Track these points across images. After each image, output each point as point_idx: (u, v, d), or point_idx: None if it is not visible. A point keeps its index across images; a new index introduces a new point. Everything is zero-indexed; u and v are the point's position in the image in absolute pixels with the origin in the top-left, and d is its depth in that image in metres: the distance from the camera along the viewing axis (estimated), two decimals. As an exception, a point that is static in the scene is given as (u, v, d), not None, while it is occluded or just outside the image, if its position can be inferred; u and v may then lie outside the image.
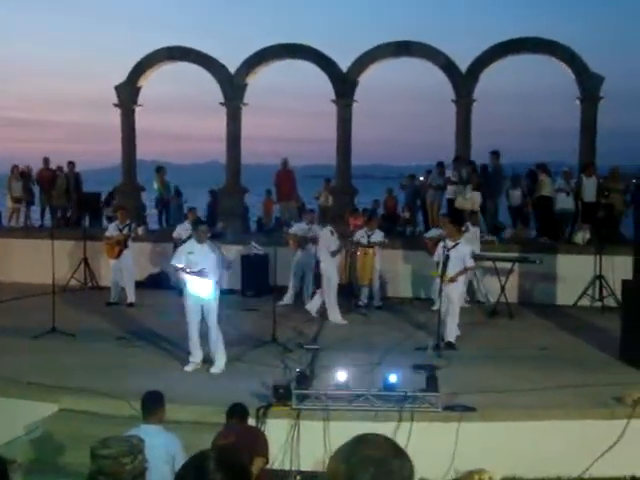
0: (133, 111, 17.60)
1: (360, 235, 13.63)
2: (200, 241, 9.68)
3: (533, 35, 16.38)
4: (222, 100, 17.07)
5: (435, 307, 11.23)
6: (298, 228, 14.05)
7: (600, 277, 13.67)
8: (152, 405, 6.02)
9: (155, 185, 18.35)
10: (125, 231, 13.97)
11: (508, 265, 13.51)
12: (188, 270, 9.66)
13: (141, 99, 17.70)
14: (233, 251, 14.92)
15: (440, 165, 16.56)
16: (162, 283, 15.72)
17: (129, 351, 10.63)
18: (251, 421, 7.40)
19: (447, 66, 16.27)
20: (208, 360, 9.74)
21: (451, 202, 15.81)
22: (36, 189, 18.65)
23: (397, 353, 10.41)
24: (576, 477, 7.81)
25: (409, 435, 7.63)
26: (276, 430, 7.66)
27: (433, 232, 13.53)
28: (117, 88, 17.43)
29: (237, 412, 6.75)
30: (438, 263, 10.99)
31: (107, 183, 20.99)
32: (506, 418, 8.06)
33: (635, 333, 9.98)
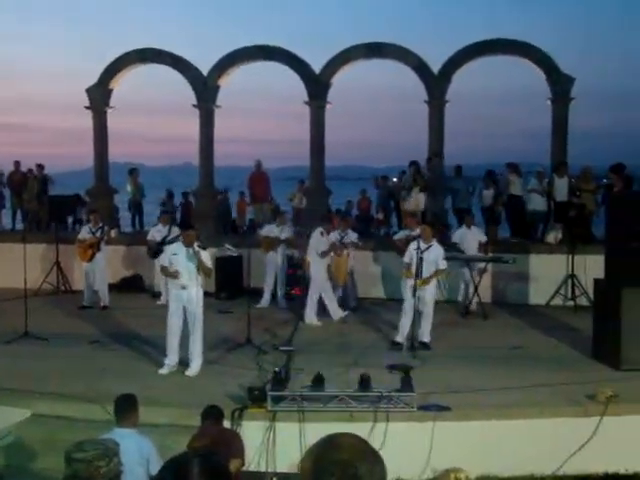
0: (105, 113, 17.47)
1: (334, 236, 13.64)
2: (186, 244, 9.65)
3: (505, 36, 16.51)
4: (195, 102, 17.01)
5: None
6: (269, 230, 14.03)
7: (572, 276, 13.80)
8: (125, 409, 5.98)
9: (128, 187, 18.25)
10: (98, 234, 13.87)
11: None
12: (167, 270, 9.67)
13: (113, 101, 17.58)
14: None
15: (413, 164, 16.62)
16: (136, 286, 15.65)
17: (103, 355, 10.55)
18: (226, 423, 7.37)
19: (419, 67, 16.34)
20: (184, 362, 9.69)
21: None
22: (7, 192, 18.48)
23: (372, 354, 10.44)
24: (550, 475, 7.88)
25: (385, 435, 7.65)
26: (252, 432, 7.64)
27: (401, 233, 13.57)
28: (88, 90, 17.28)
29: (212, 414, 6.74)
30: (409, 265, 11.00)
31: (80, 186, 20.82)
32: (481, 417, 8.11)
33: (607, 331, 10.10)
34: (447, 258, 12.63)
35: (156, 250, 14.13)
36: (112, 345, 11.07)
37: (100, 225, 14.02)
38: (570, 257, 13.87)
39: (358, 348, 10.77)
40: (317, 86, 16.55)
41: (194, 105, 17.01)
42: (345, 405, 7.98)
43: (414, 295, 10.69)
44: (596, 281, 10.87)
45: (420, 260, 10.68)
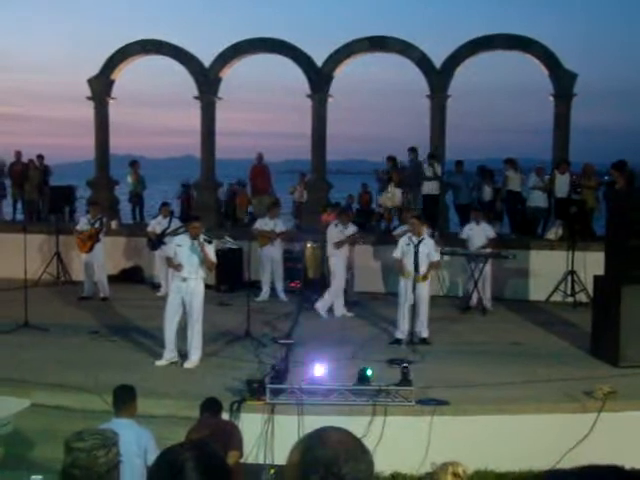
0: (106, 104, 17.46)
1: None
2: (192, 236, 9.65)
3: (508, 32, 16.49)
4: (196, 94, 16.99)
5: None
6: (263, 223, 14.01)
7: (572, 273, 13.80)
8: (124, 399, 6.00)
9: (129, 179, 18.23)
10: (97, 225, 13.86)
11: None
12: (172, 262, 9.70)
13: (115, 92, 17.58)
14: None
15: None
16: (136, 277, 15.66)
17: (103, 346, 10.57)
18: (225, 415, 7.39)
19: (422, 62, 16.32)
20: (183, 354, 9.71)
21: (426, 197, 15.89)
22: (8, 183, 18.48)
23: (371, 348, 10.45)
24: (547, 470, 7.89)
25: (383, 429, 7.68)
26: (250, 425, 7.66)
27: (401, 229, 13.56)
28: (90, 81, 17.27)
29: (211, 406, 6.76)
30: (400, 260, 10.98)
31: (79, 178, 20.82)
32: (479, 412, 8.13)
33: (605, 328, 10.11)
34: (447, 253, 12.67)
35: (156, 242, 14.16)
36: (111, 336, 11.08)
37: (99, 217, 14.01)
38: (570, 254, 13.86)
39: (357, 342, 10.78)
40: (319, 79, 16.53)
41: (195, 97, 17.00)
42: (344, 399, 8.00)
43: (413, 291, 10.68)
44: (596, 278, 10.88)
45: (415, 254, 10.67)
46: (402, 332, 10.91)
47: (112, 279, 14.64)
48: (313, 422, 7.57)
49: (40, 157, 18.31)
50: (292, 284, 14.52)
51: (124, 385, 6.22)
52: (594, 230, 15.18)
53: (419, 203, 15.88)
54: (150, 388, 8.24)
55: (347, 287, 13.94)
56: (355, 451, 1.87)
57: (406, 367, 8.39)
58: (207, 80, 16.86)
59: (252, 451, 7.55)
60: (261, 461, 7.61)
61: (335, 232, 12.84)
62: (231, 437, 6.40)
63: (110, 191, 17.68)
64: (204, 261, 9.62)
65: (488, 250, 13.47)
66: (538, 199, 15.49)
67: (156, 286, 14.50)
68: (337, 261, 12.79)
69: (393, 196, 15.78)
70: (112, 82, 17.45)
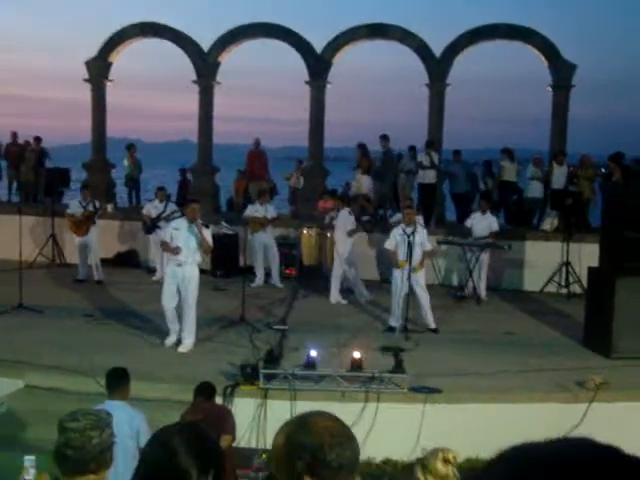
0: (104, 87, 17.39)
1: (331, 217, 13.64)
2: (190, 219, 9.64)
3: (507, 21, 16.44)
4: (195, 78, 16.93)
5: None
6: (253, 210, 14.01)
7: (567, 264, 13.83)
8: (117, 381, 6.02)
9: (125, 162, 18.18)
10: (89, 208, 13.83)
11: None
12: (168, 246, 9.68)
13: (112, 75, 17.50)
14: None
15: (412, 149, 16.61)
16: (131, 261, 15.65)
17: (97, 329, 10.58)
18: (218, 400, 7.42)
19: (421, 50, 16.27)
20: (178, 339, 9.74)
21: (422, 186, 15.90)
22: (4, 164, 18.42)
23: (365, 335, 10.48)
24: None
25: (375, 416, 7.72)
26: (243, 409, 7.70)
27: (398, 216, 13.56)
28: (87, 63, 17.19)
29: (204, 390, 6.78)
30: (393, 252, 10.99)
31: (75, 160, 20.76)
32: (471, 400, 8.18)
33: (599, 320, 10.15)
34: (442, 242, 12.68)
35: (151, 225, 14.15)
36: (106, 319, 11.09)
37: (91, 200, 13.98)
38: (565, 245, 13.89)
39: (351, 329, 10.81)
40: (318, 66, 16.48)
41: (194, 81, 16.94)
42: (337, 385, 8.04)
43: (408, 279, 10.70)
44: (590, 269, 10.92)
45: (409, 245, 10.68)
46: (396, 320, 10.93)
47: (107, 263, 14.64)
48: (306, 407, 7.56)
49: (37, 139, 18.25)
50: (287, 270, 14.53)
51: (117, 368, 6.24)
52: (590, 222, 15.21)
53: (390, 191, 15.98)
54: (144, 371, 8.26)
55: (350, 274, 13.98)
56: (341, 437, 1.87)
57: (399, 354, 8.43)
58: (205, 64, 16.80)
59: (245, 435, 7.58)
60: (253, 445, 7.65)
61: (348, 219, 12.86)
62: (224, 421, 6.44)
63: (106, 174, 17.63)
64: (201, 244, 9.61)
65: (485, 240, 13.48)
66: (535, 190, 15.50)
67: (151, 270, 14.50)
68: (344, 248, 12.83)
69: (360, 184, 15.82)
70: (110, 64, 17.36)
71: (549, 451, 0.97)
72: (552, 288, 14.03)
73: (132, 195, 18.41)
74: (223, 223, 14.31)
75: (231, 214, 16.93)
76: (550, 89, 16.10)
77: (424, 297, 11.02)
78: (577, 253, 13.62)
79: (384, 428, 7.74)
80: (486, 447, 6.23)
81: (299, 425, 1.89)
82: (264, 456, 7.16)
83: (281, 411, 7.66)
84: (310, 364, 8.23)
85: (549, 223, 15.10)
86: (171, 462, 1.99)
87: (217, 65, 16.96)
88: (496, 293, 14.08)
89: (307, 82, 16.65)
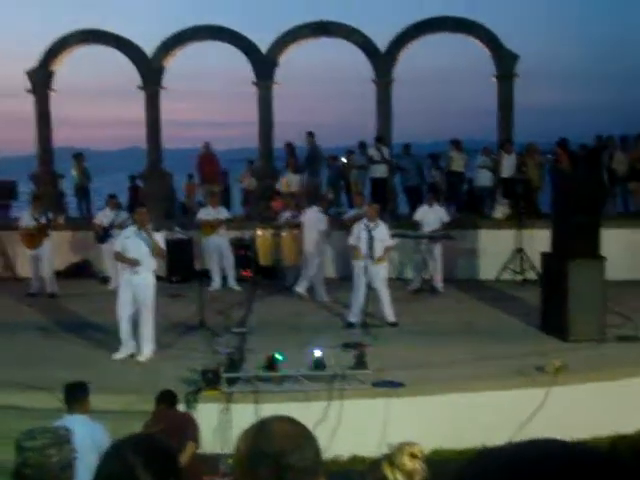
0: (47, 97, 17.08)
1: (286, 216, 13.62)
2: (140, 224, 9.50)
3: (450, 14, 16.58)
4: (140, 84, 16.73)
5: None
6: (205, 213, 13.95)
7: (520, 251, 14.00)
8: (75, 395, 5.93)
9: (73, 172, 17.89)
10: (42, 220, 13.56)
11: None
12: (124, 257, 9.54)
13: (56, 84, 17.20)
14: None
15: (362, 145, 16.67)
16: (84, 271, 15.40)
17: (52, 343, 10.38)
18: (181, 407, 7.35)
19: (366, 46, 16.33)
20: (136, 348, 9.61)
21: (374, 181, 15.97)
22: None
23: (326, 333, 10.47)
24: (501, 445, 8.01)
25: (340, 413, 7.72)
26: (207, 414, 7.63)
27: (351, 212, 13.60)
28: (29, 73, 16.86)
29: (166, 398, 6.71)
30: (355, 246, 11.03)
31: (23, 172, 20.36)
32: (434, 392, 8.23)
33: (554, 304, 10.30)
34: (396, 235, 12.71)
35: (103, 234, 13.94)
36: (61, 333, 10.90)
37: (42, 211, 13.72)
38: (518, 232, 14.06)
39: (312, 328, 10.79)
40: (264, 66, 16.43)
41: (139, 87, 16.74)
42: (299, 385, 8.01)
43: (366, 273, 10.72)
44: (543, 255, 11.07)
45: (370, 239, 10.72)
46: (355, 315, 10.95)
47: (60, 274, 14.38)
48: (270, 409, 7.57)
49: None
50: (244, 272, 14.45)
51: (75, 382, 6.15)
52: (539, 208, 15.44)
53: (321, 186, 16.10)
54: (104, 383, 8.13)
55: (299, 273, 13.96)
56: (300, 439, 1.88)
57: (360, 350, 8.44)
58: (150, 70, 16.61)
59: (210, 441, 7.51)
60: (219, 451, 7.58)
61: (320, 218, 12.92)
62: (187, 428, 6.38)
63: (54, 185, 17.31)
64: (153, 249, 9.49)
65: (437, 231, 13.58)
66: (484, 179, 15.71)
67: (105, 280, 14.28)
68: (315, 245, 12.92)
69: (289, 182, 15.93)
70: (52, 73, 17.06)
71: (511, 455, 0.98)
72: (507, 275, 14.18)
73: (82, 205, 18.11)
74: (176, 228, 14.16)
75: (184, 218, 16.79)
76: (495, 79, 16.29)
77: (384, 292, 11.05)
78: (529, 239, 13.80)
79: (349, 425, 7.75)
80: (451, 437, 6.31)
81: (258, 432, 1.88)
82: (230, 461, 7.12)
83: (245, 414, 7.61)
84: (271, 366, 8.20)
85: (500, 211, 15.28)
86: (129, 477, 1.94)
87: (162, 70, 16.78)
88: (452, 283, 14.19)
89: (254, 83, 16.59)
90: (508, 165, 15.23)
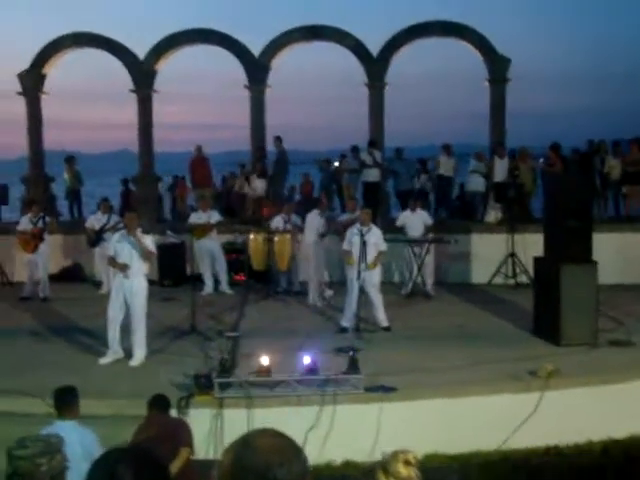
0: (39, 99, 17.02)
1: (277, 221, 13.60)
2: (129, 228, 9.47)
3: (443, 18, 16.62)
4: (132, 87, 16.69)
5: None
6: (196, 217, 13.96)
7: (512, 255, 14.03)
8: (66, 401, 5.90)
9: (65, 176, 17.83)
10: (39, 224, 13.51)
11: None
12: (115, 262, 9.51)
13: (48, 87, 17.14)
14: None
15: (354, 149, 16.67)
16: (76, 275, 15.34)
17: (44, 347, 10.33)
18: (173, 412, 7.31)
19: (358, 50, 16.34)
20: (128, 353, 9.55)
21: (367, 185, 15.97)
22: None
23: (318, 337, 10.44)
24: (495, 450, 8.02)
25: (332, 418, 7.69)
26: (199, 420, 7.58)
27: (344, 217, 13.59)
28: (20, 76, 16.80)
29: (158, 403, 6.66)
30: (349, 252, 11.01)
31: (14, 175, 20.29)
32: (426, 396, 8.22)
33: (546, 308, 10.31)
34: (389, 240, 12.70)
35: (95, 238, 13.90)
36: (53, 337, 10.84)
37: (41, 215, 13.67)
38: (510, 236, 14.08)
39: (304, 332, 10.76)
40: (256, 70, 16.42)
41: (131, 90, 16.70)
42: (292, 390, 7.99)
43: (358, 278, 10.70)
44: (535, 259, 11.09)
45: (363, 244, 10.70)
46: (348, 320, 10.93)
47: (52, 278, 14.30)
48: (263, 414, 7.57)
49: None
50: (237, 277, 14.42)
51: (65, 387, 6.11)
52: (532, 212, 15.48)
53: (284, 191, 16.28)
54: (96, 388, 8.10)
55: (291, 278, 13.94)
56: (288, 453, 1.85)
57: (353, 355, 8.42)
58: (142, 73, 16.57)
59: (202, 447, 7.47)
60: (211, 456, 7.54)
61: (320, 221, 13.00)
62: (180, 434, 6.34)
63: (46, 188, 17.25)
64: (142, 253, 9.44)
65: (430, 236, 13.61)
66: (476, 183, 15.74)
67: (97, 284, 14.22)
68: (316, 249, 13.00)
69: (255, 186, 16.03)
70: (44, 76, 17.01)
71: None
72: (499, 279, 14.21)
73: (74, 208, 18.05)
74: (168, 232, 14.14)
75: (175, 223, 16.76)
76: (487, 83, 16.33)
77: (377, 297, 11.04)
78: (522, 244, 13.82)
79: (342, 430, 7.73)
80: (445, 441, 6.30)
81: (244, 446, 1.85)
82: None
83: (238, 420, 7.58)
84: (264, 371, 8.17)
85: (493, 216, 15.31)
86: None
87: (154, 74, 16.74)
88: (444, 287, 14.20)
89: (246, 86, 16.57)
90: (500, 169, 15.25)
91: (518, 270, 13.93)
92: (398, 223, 13.84)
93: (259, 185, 16.00)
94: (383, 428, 7.75)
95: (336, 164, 17.77)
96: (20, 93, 16.87)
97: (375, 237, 11.01)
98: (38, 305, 13.22)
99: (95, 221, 14.08)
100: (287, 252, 13.42)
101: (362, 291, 10.80)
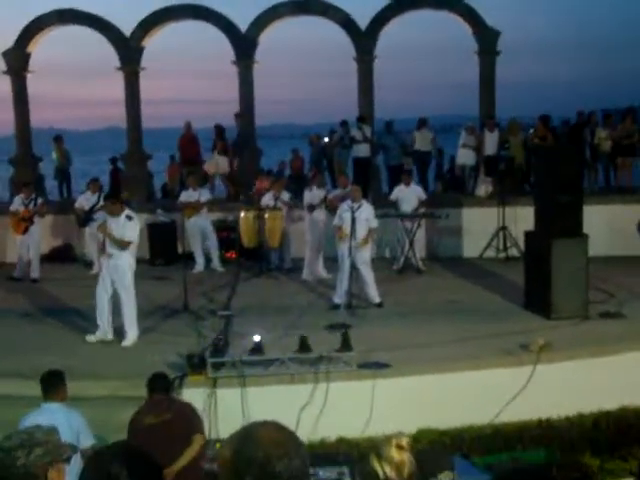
0: (24, 78, 16.84)
1: (268, 198, 13.56)
2: (110, 215, 9.40)
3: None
4: (118, 64, 16.52)
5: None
6: (187, 195, 13.91)
7: (504, 228, 14.03)
8: (52, 383, 5.93)
9: (54, 155, 17.69)
10: (31, 206, 13.43)
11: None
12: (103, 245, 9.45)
13: (33, 64, 16.95)
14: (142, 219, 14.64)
15: (344, 124, 16.58)
16: (67, 256, 15.28)
17: (35, 328, 10.31)
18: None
19: (346, 24, 16.18)
20: (120, 333, 9.54)
21: (357, 161, 15.91)
22: None
23: (310, 315, 10.46)
24: (487, 424, 8.08)
25: (326, 395, 7.73)
26: (193, 400, 7.52)
27: (335, 192, 13.55)
28: (4, 54, 16.60)
29: (160, 384, 6.29)
30: (340, 227, 11.02)
31: (4, 154, 20.14)
32: (419, 372, 8.25)
33: (537, 282, 10.34)
34: (380, 215, 12.70)
35: (85, 218, 13.83)
36: (45, 318, 10.82)
37: (33, 197, 13.58)
38: (501, 210, 14.08)
39: (296, 310, 10.77)
40: (244, 45, 16.27)
41: (118, 67, 16.53)
42: (285, 368, 8.01)
43: (350, 255, 10.70)
44: (526, 233, 11.10)
45: (353, 220, 10.68)
46: (340, 297, 10.94)
47: (43, 258, 14.23)
48: (256, 393, 7.60)
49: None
50: (228, 254, 14.40)
51: (52, 370, 6.13)
52: (523, 185, 15.47)
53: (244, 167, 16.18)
54: (87, 369, 8.12)
55: (282, 254, 13.93)
56: (288, 447, 1.85)
57: (346, 332, 8.44)
58: (128, 50, 16.38)
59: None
60: (206, 436, 7.57)
61: (308, 195, 13.26)
62: (192, 419, 6.15)
63: (34, 168, 17.12)
64: (117, 244, 9.31)
65: (421, 210, 13.59)
66: (467, 157, 15.70)
67: (88, 264, 14.17)
68: (310, 224, 13.24)
69: (217, 164, 16.00)
70: (29, 54, 16.80)
71: None
72: (491, 253, 14.21)
73: (63, 188, 17.93)
74: (159, 211, 14.08)
75: (166, 201, 16.68)
76: (476, 56, 16.24)
77: (368, 273, 11.04)
78: (513, 217, 13.83)
79: (336, 407, 7.76)
80: (437, 416, 6.32)
81: (244, 438, 1.84)
82: (218, 446, 7.10)
83: (232, 399, 7.62)
84: (256, 349, 8.17)
85: (483, 189, 15.29)
86: None
87: (141, 50, 16.55)
88: (436, 261, 14.22)
89: (234, 62, 16.43)
90: (490, 143, 15.21)
91: (509, 244, 13.95)
92: (392, 197, 13.81)
93: (221, 162, 16.00)
94: (377, 404, 7.79)
95: (326, 139, 17.66)
96: (5, 72, 16.68)
97: (366, 213, 10.98)
98: (28, 286, 13.16)
99: (85, 201, 13.99)
100: (278, 229, 13.40)
101: (354, 267, 10.81)
